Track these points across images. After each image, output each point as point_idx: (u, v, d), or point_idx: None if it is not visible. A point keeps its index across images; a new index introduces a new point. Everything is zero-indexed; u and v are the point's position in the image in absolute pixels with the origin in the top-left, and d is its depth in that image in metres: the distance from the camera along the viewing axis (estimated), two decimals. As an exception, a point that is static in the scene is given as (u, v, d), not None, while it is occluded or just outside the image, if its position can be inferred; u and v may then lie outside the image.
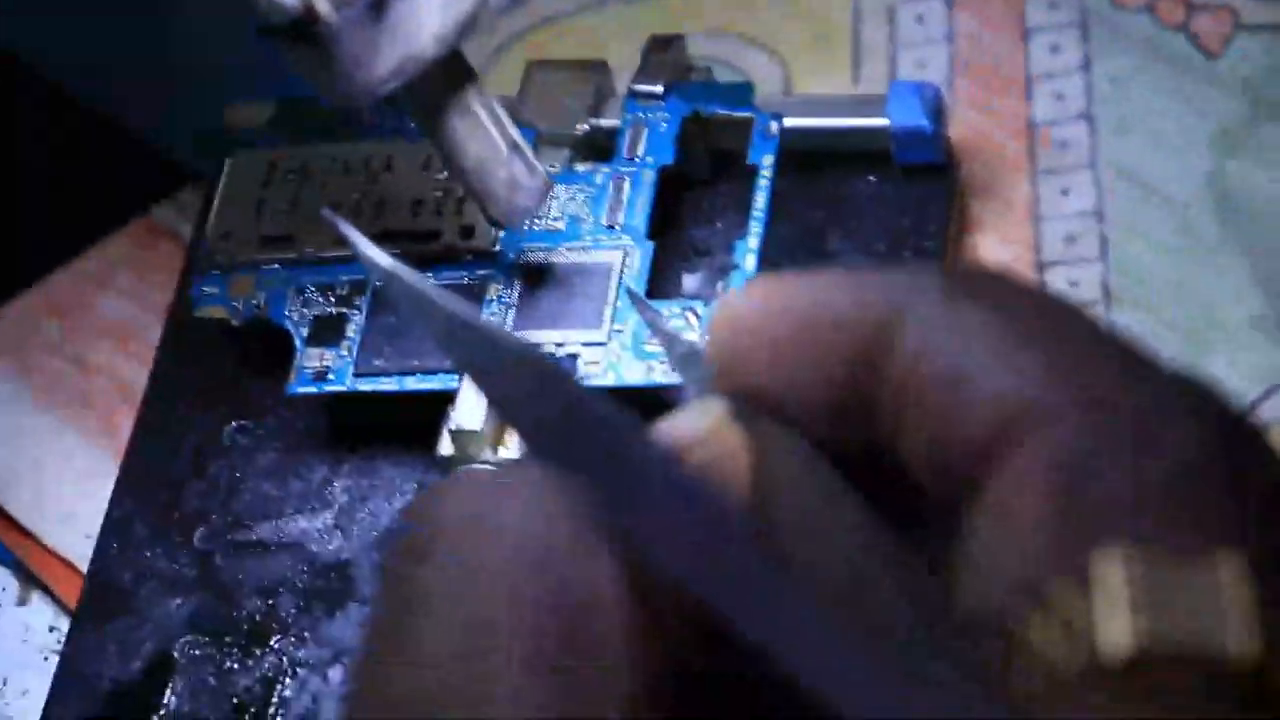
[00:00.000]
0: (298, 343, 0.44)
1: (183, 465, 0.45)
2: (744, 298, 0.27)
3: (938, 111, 0.45)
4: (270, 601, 0.44)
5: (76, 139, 0.52)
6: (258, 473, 0.45)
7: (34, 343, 0.49)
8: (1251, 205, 0.46)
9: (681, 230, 0.45)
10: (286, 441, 0.45)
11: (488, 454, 0.42)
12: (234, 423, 0.46)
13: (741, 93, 0.46)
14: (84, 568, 0.46)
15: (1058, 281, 0.46)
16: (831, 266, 0.45)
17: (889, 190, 0.46)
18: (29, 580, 0.46)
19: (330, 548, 0.44)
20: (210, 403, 0.46)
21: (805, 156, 0.45)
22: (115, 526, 0.45)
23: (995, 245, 0.46)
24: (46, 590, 0.46)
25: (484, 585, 0.24)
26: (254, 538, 0.44)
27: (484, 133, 0.41)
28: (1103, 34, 0.49)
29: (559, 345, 0.43)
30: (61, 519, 0.46)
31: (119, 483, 0.46)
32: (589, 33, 0.52)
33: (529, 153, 0.42)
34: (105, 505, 0.46)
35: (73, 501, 0.47)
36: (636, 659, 0.24)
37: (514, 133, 0.42)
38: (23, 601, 0.46)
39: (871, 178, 0.46)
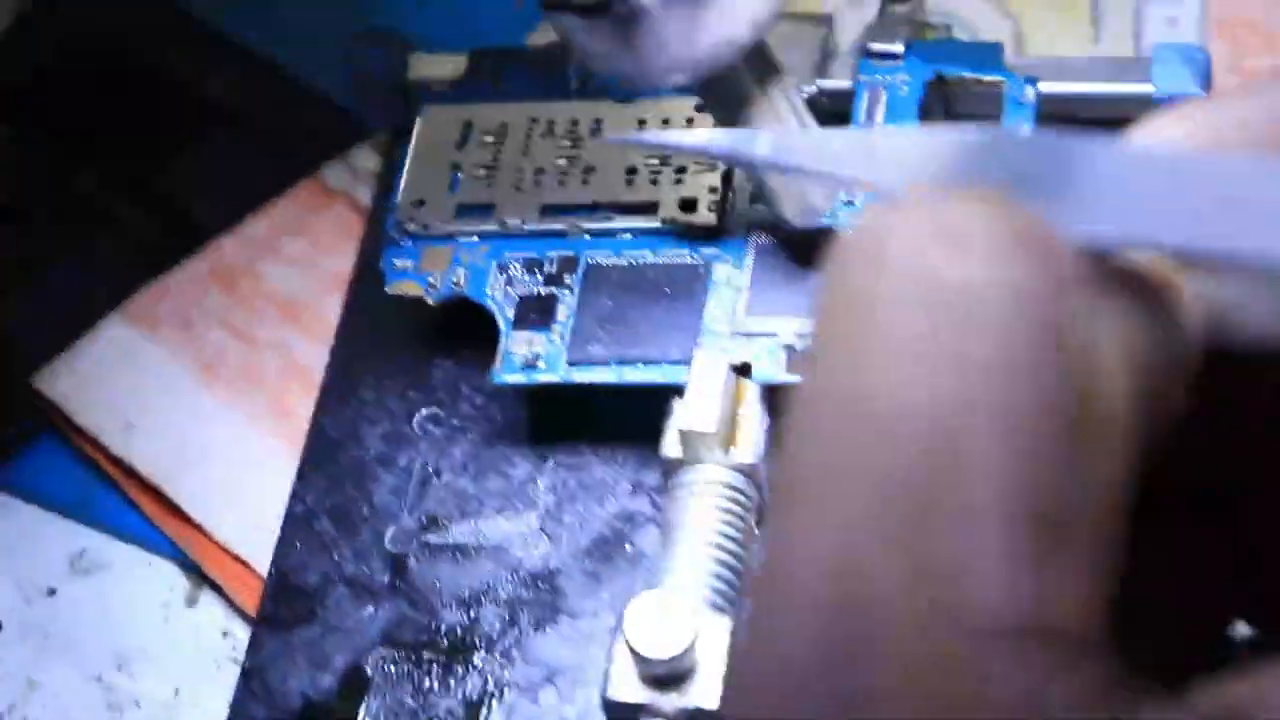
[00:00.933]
0: (502, 325, 0.40)
1: (369, 456, 0.41)
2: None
3: (1207, 78, 0.41)
4: (472, 613, 0.40)
5: (242, 88, 0.48)
6: (453, 467, 0.41)
7: (198, 314, 0.45)
8: None
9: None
10: (484, 433, 0.41)
11: (719, 456, 0.38)
12: (424, 410, 0.42)
13: (990, 54, 0.41)
14: (259, 566, 0.42)
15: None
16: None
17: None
18: (199, 578, 0.42)
19: (536, 554, 0.40)
20: (399, 387, 0.42)
21: (1055, 124, 0.41)
22: (297, 523, 0.41)
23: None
24: (217, 589, 0.42)
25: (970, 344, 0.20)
26: (451, 540, 0.40)
27: (786, 127, 0.37)
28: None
29: (800, 335, 0.38)
30: (233, 510, 0.42)
31: (300, 474, 0.42)
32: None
33: None
34: (279, 495, 0.42)
35: (244, 491, 0.43)
36: (1135, 445, 0.21)
37: (814, 126, 0.37)
38: (191, 602, 0.43)
39: (1129, 148, 0.41)
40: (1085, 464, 0.21)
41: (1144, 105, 0.41)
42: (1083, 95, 0.41)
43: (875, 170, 0.24)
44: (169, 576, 0.43)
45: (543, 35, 0.47)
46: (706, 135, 0.27)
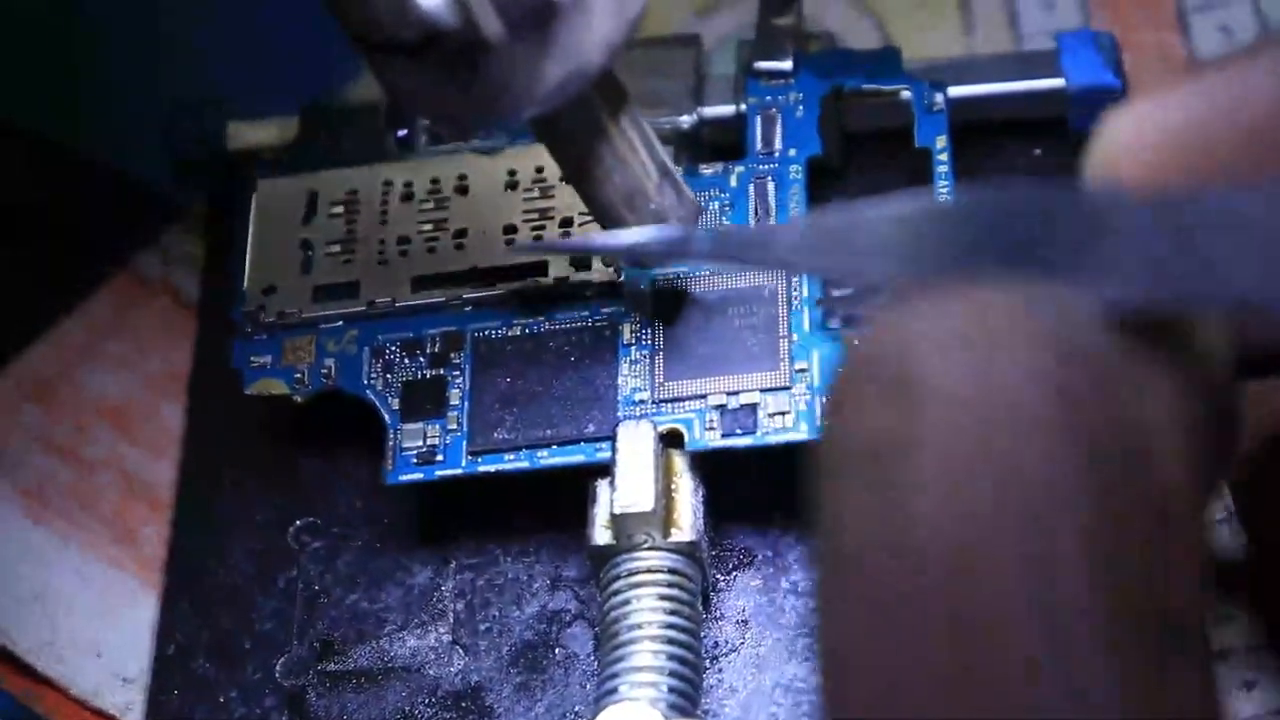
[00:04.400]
0: (388, 418, 0.35)
1: (243, 579, 0.36)
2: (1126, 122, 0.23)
3: (1118, 64, 0.37)
4: (393, 746, 0.35)
5: (33, 178, 0.42)
6: (342, 581, 0.36)
7: (14, 435, 0.39)
8: None
9: (821, 232, 0.37)
10: (373, 539, 0.37)
11: (657, 539, 0.34)
12: (299, 520, 0.37)
13: (888, 60, 0.38)
14: (127, 719, 0.36)
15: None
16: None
17: (1066, 161, 0.38)
18: (56, 741, 0.37)
19: (454, 670, 0.35)
20: (265, 496, 0.37)
21: (958, 129, 0.37)
22: (170, 665, 0.36)
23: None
24: (81, 752, 0.37)
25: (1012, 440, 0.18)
26: (353, 665, 0.35)
27: (636, 159, 0.33)
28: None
29: (731, 394, 0.34)
30: (87, 658, 0.37)
31: (164, 608, 0.37)
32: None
33: (679, 177, 0.33)
34: (140, 635, 0.37)
35: (98, 634, 0.37)
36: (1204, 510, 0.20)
37: (665, 156, 0.33)
38: (48, 770, 0.37)
39: (1038, 150, 0.38)
40: (1169, 550, 0.19)
41: (1058, 99, 0.37)
42: (993, 95, 0.38)
43: (854, 261, 0.22)
44: (15, 744, 0.37)
45: (368, 87, 0.42)
46: (638, 234, 0.24)
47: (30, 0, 0.43)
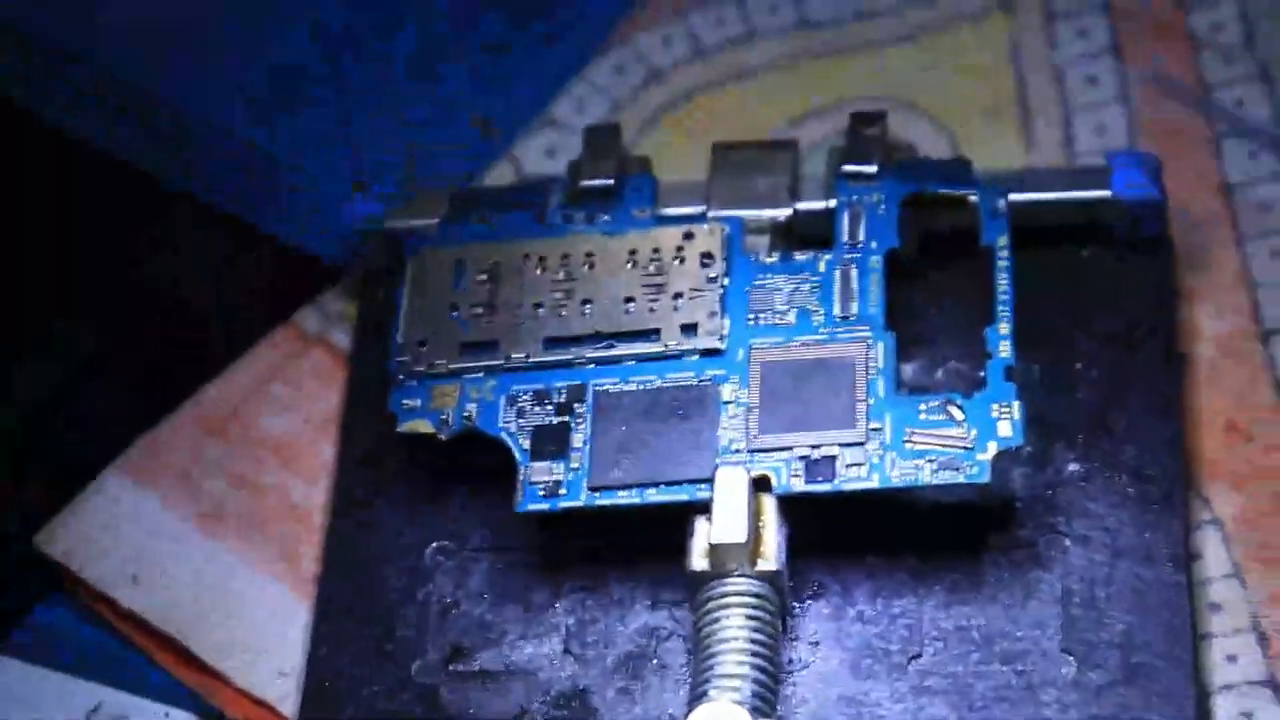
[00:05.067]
0: (519, 456, 0.41)
1: (385, 591, 0.42)
2: None
3: (1160, 181, 0.43)
4: (511, 736, 0.41)
5: (210, 243, 0.49)
6: (471, 597, 0.42)
7: (195, 464, 0.45)
8: None
9: (896, 317, 0.43)
10: (498, 562, 0.42)
11: (745, 567, 0.39)
12: (435, 543, 0.43)
13: (961, 169, 0.44)
14: (284, 709, 0.42)
15: (1287, 350, 0.44)
16: (1065, 347, 0.43)
17: (1109, 264, 0.44)
18: (220, 723, 0.43)
19: (564, 675, 0.41)
20: (406, 523, 0.43)
21: (1017, 232, 0.43)
22: (321, 664, 0.42)
23: (1212, 316, 0.45)
24: (242, 734, 0.43)
25: None
26: (478, 668, 0.41)
27: None
28: (1290, 87, 0.47)
29: (814, 447, 0.40)
30: (251, 655, 0.43)
31: (317, 616, 0.43)
32: (732, 105, 0.50)
33: None
34: (296, 638, 0.43)
35: (261, 636, 0.43)
36: None
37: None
38: (214, 749, 0.43)
39: (1086, 252, 0.44)
40: None
41: (1108, 208, 0.43)
42: (1051, 201, 0.43)
43: None
44: (187, 725, 0.43)
45: (505, 173, 0.49)
46: None
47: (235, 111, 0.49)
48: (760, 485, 0.40)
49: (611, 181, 0.44)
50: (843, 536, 0.41)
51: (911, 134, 0.48)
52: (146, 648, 0.44)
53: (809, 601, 0.41)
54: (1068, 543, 0.41)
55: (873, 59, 0.50)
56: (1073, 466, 0.42)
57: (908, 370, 0.43)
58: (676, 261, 0.43)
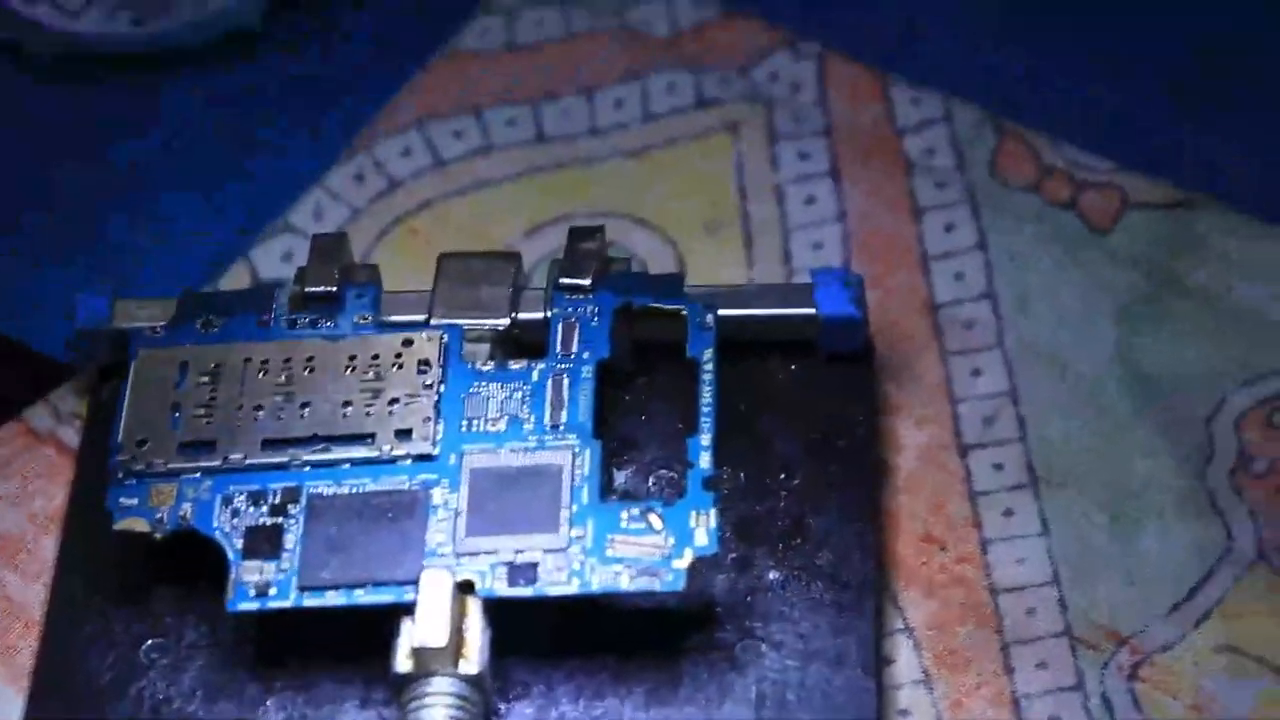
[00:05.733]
0: (231, 555, 0.42)
1: (99, 686, 0.43)
2: None
3: (861, 300, 0.45)
4: (216, 832, 0.41)
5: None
6: (183, 694, 0.43)
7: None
8: (1160, 378, 0.47)
9: (606, 424, 0.44)
10: (212, 661, 0.43)
11: (449, 669, 0.41)
12: (150, 640, 0.44)
13: (672, 284, 0.45)
14: (-7, 804, 0.43)
15: (982, 464, 0.46)
16: (769, 455, 0.45)
17: (813, 376, 0.46)
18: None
19: (273, 771, 0.42)
20: (123, 619, 0.44)
21: (726, 345, 0.45)
22: (33, 757, 0.42)
23: (912, 428, 0.47)
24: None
25: None
26: (188, 764, 0.42)
27: None
28: (994, 211, 0.49)
29: (518, 552, 0.42)
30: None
31: (30, 706, 0.43)
32: (469, 215, 0.51)
33: None
34: (10, 733, 0.43)
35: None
36: None
37: None
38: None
39: (793, 365, 0.46)
40: None
41: (810, 324, 0.45)
42: (756, 317, 0.45)
43: None
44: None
45: (238, 278, 0.50)
46: None
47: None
48: (465, 588, 0.41)
49: (335, 289, 0.45)
50: (546, 638, 0.42)
51: (638, 247, 0.50)
52: None
53: (513, 702, 0.42)
54: (763, 647, 0.42)
55: (605, 173, 0.51)
56: (772, 573, 0.43)
57: (620, 477, 0.45)
58: (395, 368, 0.44)
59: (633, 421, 0.45)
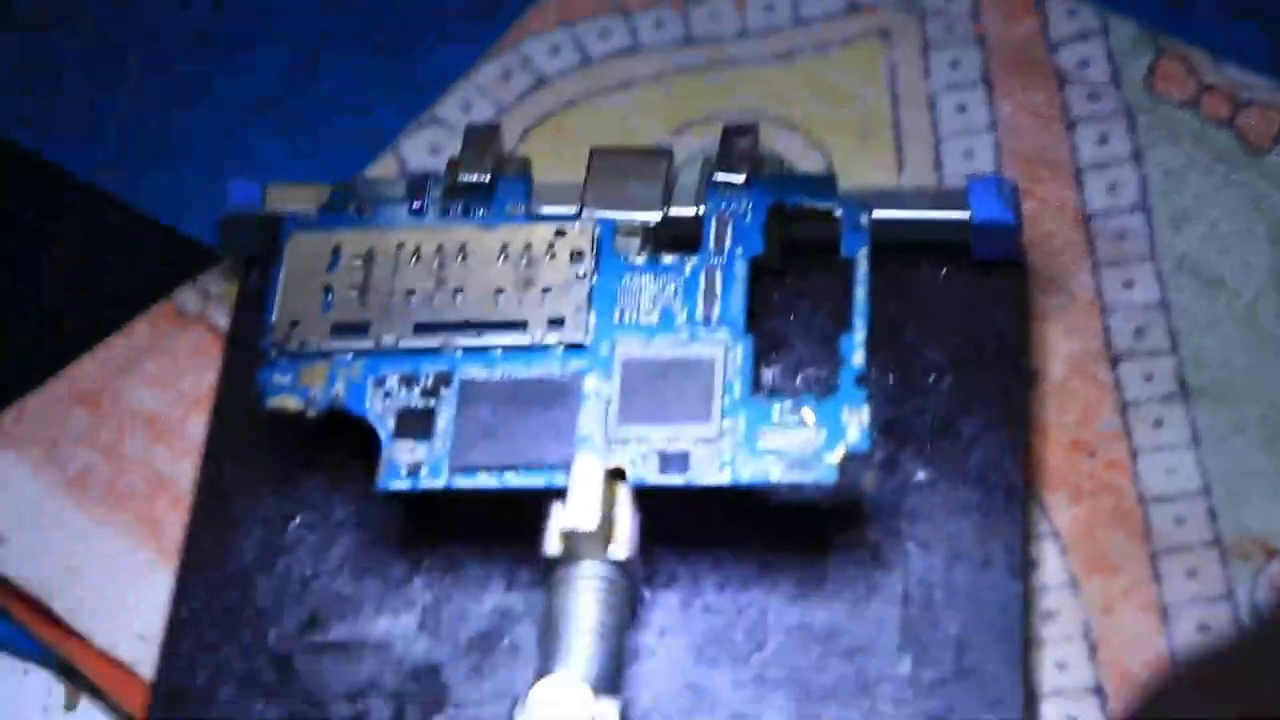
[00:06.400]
0: (383, 435, 0.42)
1: (246, 562, 0.43)
2: None
3: (1016, 206, 0.45)
4: (359, 706, 0.42)
5: (89, 222, 0.50)
6: (330, 571, 0.43)
7: (63, 433, 0.46)
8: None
9: (755, 322, 0.44)
10: (359, 539, 0.43)
11: (597, 553, 0.41)
12: (298, 517, 0.44)
13: (826, 184, 0.45)
14: (142, 670, 0.43)
15: (1133, 374, 0.46)
16: (919, 359, 0.45)
17: (965, 283, 0.45)
18: (77, 684, 0.44)
19: (418, 649, 0.42)
20: (271, 497, 0.44)
21: (877, 249, 0.45)
22: (181, 628, 0.43)
23: (1063, 336, 0.46)
24: (98, 694, 0.44)
25: None
26: (333, 639, 0.42)
27: None
28: (1149, 126, 0.49)
29: (670, 441, 0.42)
30: (112, 619, 0.44)
31: (179, 583, 0.43)
32: (615, 114, 0.51)
33: None
34: (157, 604, 0.44)
35: (122, 601, 0.44)
36: None
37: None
38: (71, 707, 0.44)
39: (944, 270, 0.46)
40: None
41: (963, 229, 0.45)
42: (910, 220, 0.45)
43: None
44: (46, 682, 0.44)
45: (389, 166, 0.50)
46: None
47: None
48: (616, 475, 0.41)
49: (488, 178, 0.45)
50: (694, 529, 0.42)
51: (786, 151, 0.49)
52: (8, 607, 0.45)
53: (659, 591, 0.42)
54: (910, 546, 0.42)
55: (753, 76, 0.51)
56: (920, 474, 0.43)
57: (768, 374, 0.44)
58: (548, 257, 0.44)
59: (781, 321, 0.45)
